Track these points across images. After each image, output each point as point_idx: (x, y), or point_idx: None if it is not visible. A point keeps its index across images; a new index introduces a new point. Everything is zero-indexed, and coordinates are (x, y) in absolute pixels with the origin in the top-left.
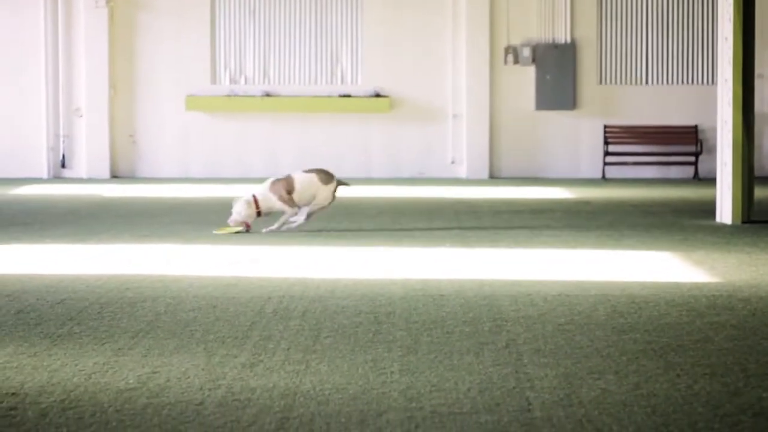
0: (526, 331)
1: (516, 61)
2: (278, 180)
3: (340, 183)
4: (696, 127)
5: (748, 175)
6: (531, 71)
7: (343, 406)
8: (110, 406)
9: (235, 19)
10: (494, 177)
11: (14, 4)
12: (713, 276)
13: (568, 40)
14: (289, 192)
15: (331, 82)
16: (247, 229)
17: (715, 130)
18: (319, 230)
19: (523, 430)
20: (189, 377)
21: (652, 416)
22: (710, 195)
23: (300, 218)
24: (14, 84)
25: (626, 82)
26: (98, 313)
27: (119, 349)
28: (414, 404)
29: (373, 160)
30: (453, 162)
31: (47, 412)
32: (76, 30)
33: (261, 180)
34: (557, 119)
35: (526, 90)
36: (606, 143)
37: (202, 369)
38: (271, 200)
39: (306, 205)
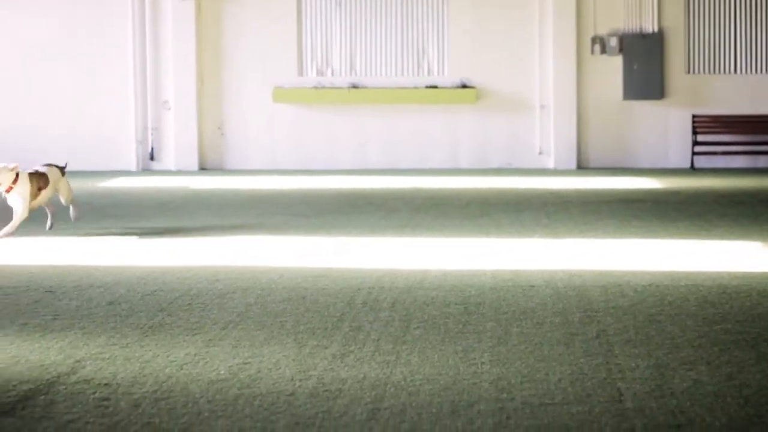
0: (617, 321)
1: (603, 51)
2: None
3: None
4: None
5: None
6: (618, 61)
7: (434, 396)
8: (201, 397)
9: (321, 10)
10: (582, 167)
11: None
12: None
13: (656, 29)
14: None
15: (418, 73)
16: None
17: None
18: (407, 222)
19: (615, 421)
20: (280, 368)
21: (745, 407)
22: None
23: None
24: (103, 77)
25: (715, 71)
26: (189, 304)
27: (210, 340)
28: (505, 395)
29: (460, 152)
30: (541, 153)
31: (139, 402)
32: (163, 23)
33: (349, 172)
34: (645, 109)
35: (613, 80)
36: (695, 133)
37: (293, 360)
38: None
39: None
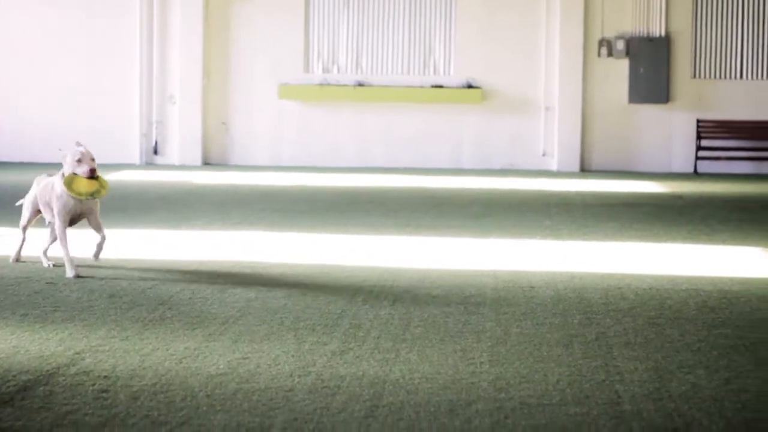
0: (616, 324)
1: (609, 54)
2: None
3: None
4: None
5: None
6: (624, 64)
7: (433, 395)
8: (200, 391)
9: (328, 8)
10: (585, 170)
11: None
12: None
13: (663, 33)
14: None
15: (424, 72)
16: None
17: None
18: (409, 220)
19: (612, 423)
20: (279, 364)
21: (743, 411)
22: None
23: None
24: (109, 70)
25: (720, 77)
26: (189, 298)
27: (210, 334)
28: (503, 395)
29: (464, 151)
30: (544, 154)
31: (138, 395)
32: (171, 18)
33: (352, 170)
34: (650, 113)
35: (619, 83)
36: (699, 137)
37: (292, 356)
38: None
39: None
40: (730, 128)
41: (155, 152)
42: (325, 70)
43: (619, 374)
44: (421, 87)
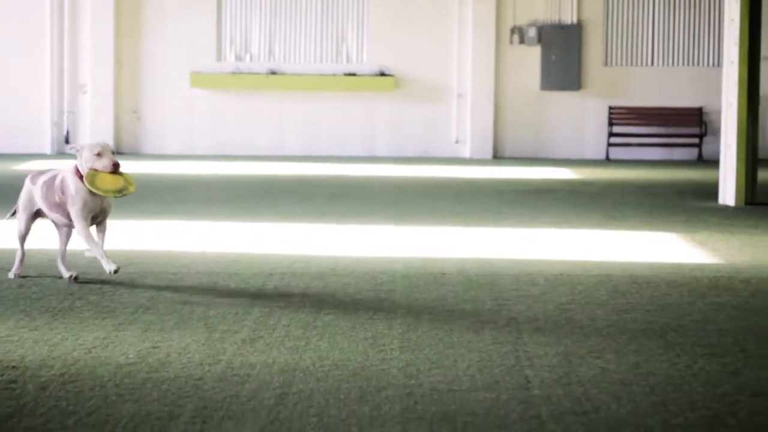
0: (527, 309)
1: (522, 41)
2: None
3: None
4: (701, 108)
5: (752, 158)
6: (537, 51)
7: (342, 382)
8: (110, 381)
9: None
10: (498, 157)
11: None
12: (715, 257)
13: (574, 20)
14: None
15: (337, 60)
16: None
17: (719, 112)
18: (322, 208)
19: (522, 408)
20: (189, 352)
21: (651, 395)
22: (714, 177)
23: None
24: (20, 59)
25: (631, 64)
26: (99, 288)
27: (120, 324)
28: (413, 381)
29: (378, 139)
30: (457, 142)
31: (47, 385)
32: (82, 6)
33: (267, 158)
34: (562, 100)
35: (531, 70)
36: (610, 124)
37: (202, 344)
38: None
39: None
40: (641, 115)
41: (67, 141)
42: (238, 58)
43: (529, 359)
44: (335, 75)
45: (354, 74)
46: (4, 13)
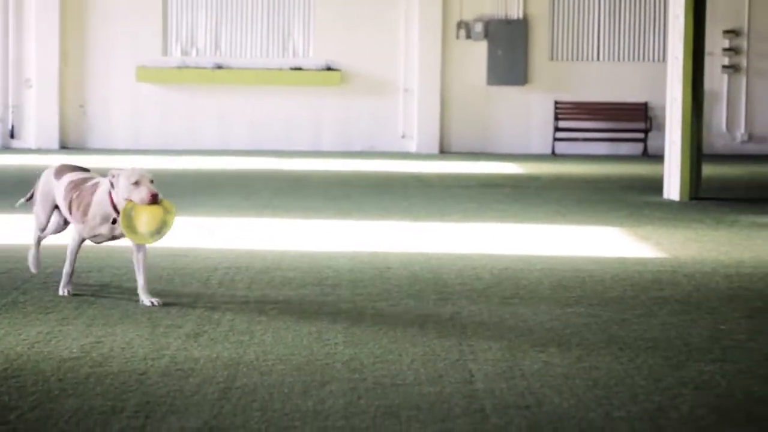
0: (471, 304)
1: (468, 36)
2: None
3: None
4: (646, 104)
5: (696, 153)
6: (483, 46)
7: (287, 376)
8: (52, 375)
9: None
10: (444, 151)
11: None
12: (659, 251)
13: (521, 15)
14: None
15: (283, 54)
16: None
17: (664, 107)
18: (267, 202)
19: (465, 402)
20: (133, 347)
21: (594, 389)
22: (659, 172)
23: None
24: None
25: (577, 59)
26: (43, 283)
27: (63, 318)
28: (357, 375)
29: (324, 134)
30: (403, 136)
31: None
32: (26, 1)
33: (213, 153)
34: (508, 95)
35: (477, 65)
36: (556, 119)
37: (146, 339)
38: None
39: None
40: (586, 110)
41: (12, 136)
42: (184, 52)
43: (473, 353)
44: (281, 69)
45: (300, 68)
46: None
